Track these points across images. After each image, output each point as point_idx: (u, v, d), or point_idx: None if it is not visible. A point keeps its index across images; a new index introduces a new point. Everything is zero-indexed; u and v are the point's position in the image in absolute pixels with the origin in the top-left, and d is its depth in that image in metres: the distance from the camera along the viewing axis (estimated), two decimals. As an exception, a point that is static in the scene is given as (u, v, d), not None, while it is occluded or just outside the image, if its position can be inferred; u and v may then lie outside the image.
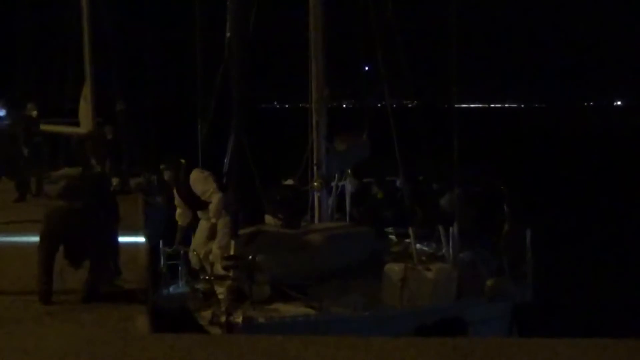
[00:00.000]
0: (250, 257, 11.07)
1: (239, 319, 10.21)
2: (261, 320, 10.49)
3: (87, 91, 23.64)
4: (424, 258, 13.20)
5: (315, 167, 14.40)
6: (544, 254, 18.61)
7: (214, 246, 12.83)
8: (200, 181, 12.92)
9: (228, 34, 12.97)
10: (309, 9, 14.38)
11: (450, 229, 13.19)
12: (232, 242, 11.34)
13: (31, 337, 8.59)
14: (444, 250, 13.43)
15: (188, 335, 8.79)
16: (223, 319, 10.26)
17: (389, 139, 14.82)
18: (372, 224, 14.26)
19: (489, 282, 12.88)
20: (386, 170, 16.67)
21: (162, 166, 13.59)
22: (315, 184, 14.32)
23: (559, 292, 19.49)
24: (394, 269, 12.42)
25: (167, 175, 13.42)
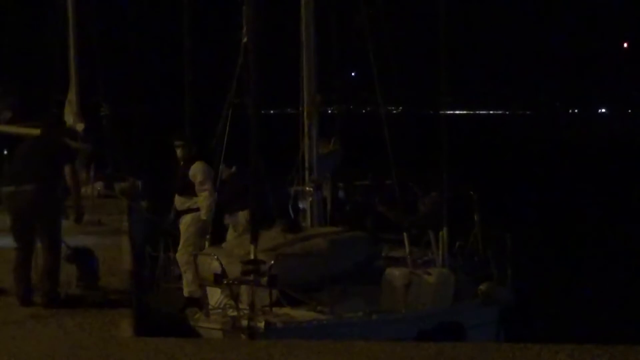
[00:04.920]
0: (272, 261, 11.09)
1: (261, 324, 10.21)
2: (280, 325, 10.51)
3: (72, 95, 23.60)
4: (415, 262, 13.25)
5: (307, 172, 14.41)
6: (526, 259, 18.70)
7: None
8: (204, 172, 13.26)
9: (245, 39, 13.03)
10: (301, 16, 14.39)
11: (440, 234, 13.31)
12: (252, 247, 11.33)
13: (14, 341, 8.55)
14: (431, 255, 13.50)
15: (172, 339, 8.76)
16: (245, 323, 10.24)
17: (364, 145, 14.81)
18: (359, 229, 14.26)
19: (482, 287, 12.98)
20: (363, 176, 16.75)
21: (177, 143, 13.77)
22: (307, 188, 14.34)
23: (539, 296, 19.56)
24: (395, 273, 12.48)
25: (180, 152, 13.69)
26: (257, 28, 12.81)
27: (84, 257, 11.04)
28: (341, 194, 15.99)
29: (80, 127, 20.14)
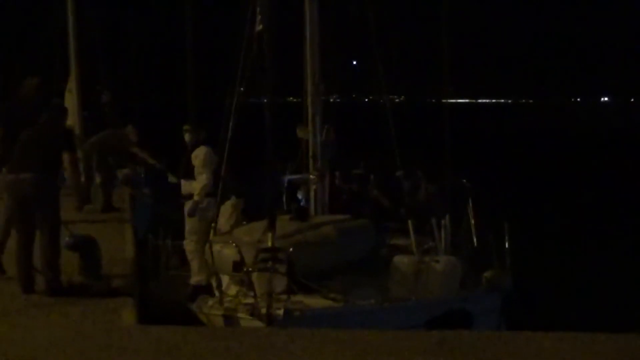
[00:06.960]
0: (291, 249, 11.08)
1: (280, 311, 10.20)
2: (297, 312, 10.54)
3: (72, 84, 23.55)
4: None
5: (311, 160, 14.44)
6: (528, 247, 18.69)
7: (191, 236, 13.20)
8: (203, 156, 13.16)
9: (259, 27, 13.00)
10: (304, 4, 14.38)
11: (442, 222, 13.33)
12: (270, 234, 11.32)
13: (17, 329, 8.57)
14: (432, 243, 13.53)
15: (175, 327, 8.76)
16: (264, 310, 10.23)
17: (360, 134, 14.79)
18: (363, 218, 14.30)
19: (487, 274, 13.04)
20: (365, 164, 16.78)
21: (185, 127, 13.73)
22: (311, 176, 14.36)
23: (539, 284, 19.59)
24: (403, 261, 12.51)
25: (188, 137, 13.62)
26: (271, 16, 12.80)
27: (86, 246, 11.04)
28: (338, 182, 16.04)
29: (130, 130, 19.78)
